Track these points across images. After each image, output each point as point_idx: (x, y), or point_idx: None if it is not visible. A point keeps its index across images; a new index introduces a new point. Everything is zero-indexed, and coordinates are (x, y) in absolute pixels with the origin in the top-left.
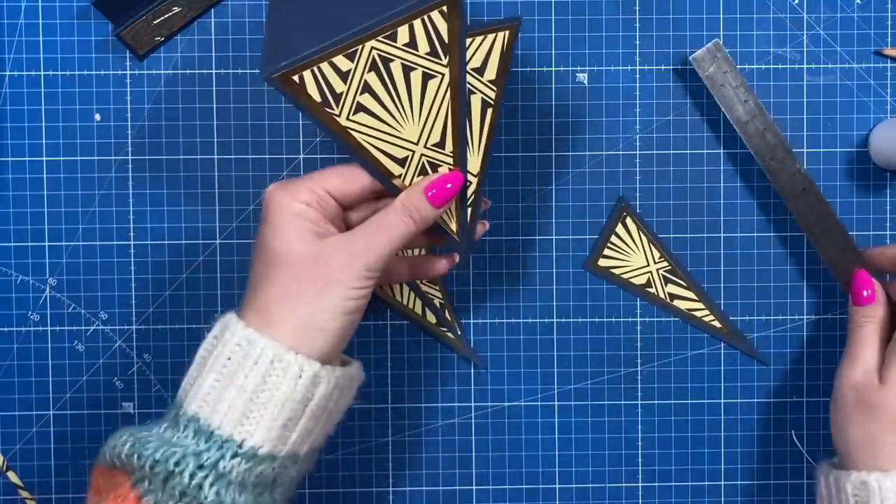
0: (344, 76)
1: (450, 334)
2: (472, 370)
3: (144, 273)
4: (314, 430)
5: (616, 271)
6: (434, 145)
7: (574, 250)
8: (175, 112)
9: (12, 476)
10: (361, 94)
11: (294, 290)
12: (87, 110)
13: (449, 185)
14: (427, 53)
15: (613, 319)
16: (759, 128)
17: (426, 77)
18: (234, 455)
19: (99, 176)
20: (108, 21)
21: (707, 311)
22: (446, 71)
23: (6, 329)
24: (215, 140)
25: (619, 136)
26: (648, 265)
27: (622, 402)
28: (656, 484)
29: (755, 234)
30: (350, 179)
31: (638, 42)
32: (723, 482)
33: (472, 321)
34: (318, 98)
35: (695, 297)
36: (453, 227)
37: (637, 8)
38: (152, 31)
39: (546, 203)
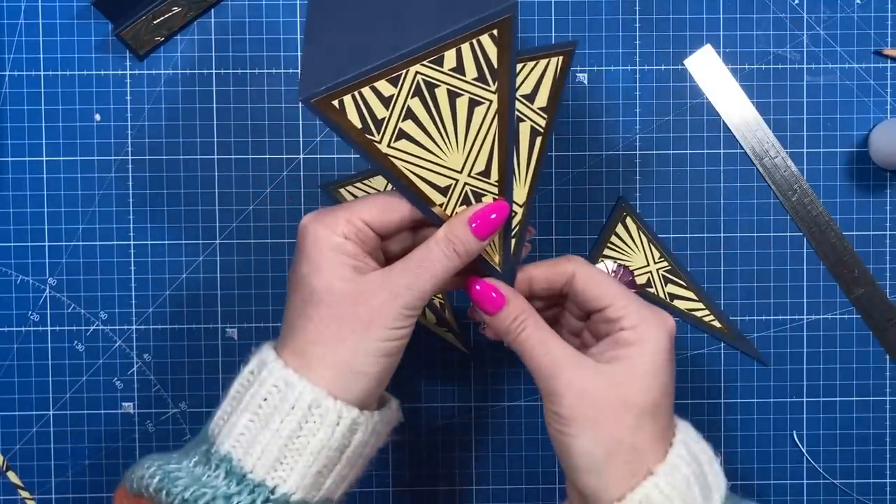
0: (386, 101)
1: (450, 334)
2: (472, 370)
3: (144, 273)
4: (349, 476)
5: None
6: (479, 174)
7: (574, 250)
8: (175, 112)
9: (12, 476)
10: (404, 120)
11: (333, 331)
12: (87, 110)
13: (494, 216)
14: (475, 79)
15: None
16: (752, 128)
17: (473, 103)
18: (266, 500)
19: (99, 176)
20: (108, 21)
21: (707, 311)
22: (494, 97)
23: (6, 329)
24: (215, 140)
25: (619, 136)
26: (648, 265)
27: None
28: None
29: (755, 234)
30: (388, 209)
31: (638, 42)
32: None
33: (472, 321)
34: (358, 124)
35: (695, 297)
36: (496, 259)
37: (637, 8)
38: (152, 31)
39: (546, 203)
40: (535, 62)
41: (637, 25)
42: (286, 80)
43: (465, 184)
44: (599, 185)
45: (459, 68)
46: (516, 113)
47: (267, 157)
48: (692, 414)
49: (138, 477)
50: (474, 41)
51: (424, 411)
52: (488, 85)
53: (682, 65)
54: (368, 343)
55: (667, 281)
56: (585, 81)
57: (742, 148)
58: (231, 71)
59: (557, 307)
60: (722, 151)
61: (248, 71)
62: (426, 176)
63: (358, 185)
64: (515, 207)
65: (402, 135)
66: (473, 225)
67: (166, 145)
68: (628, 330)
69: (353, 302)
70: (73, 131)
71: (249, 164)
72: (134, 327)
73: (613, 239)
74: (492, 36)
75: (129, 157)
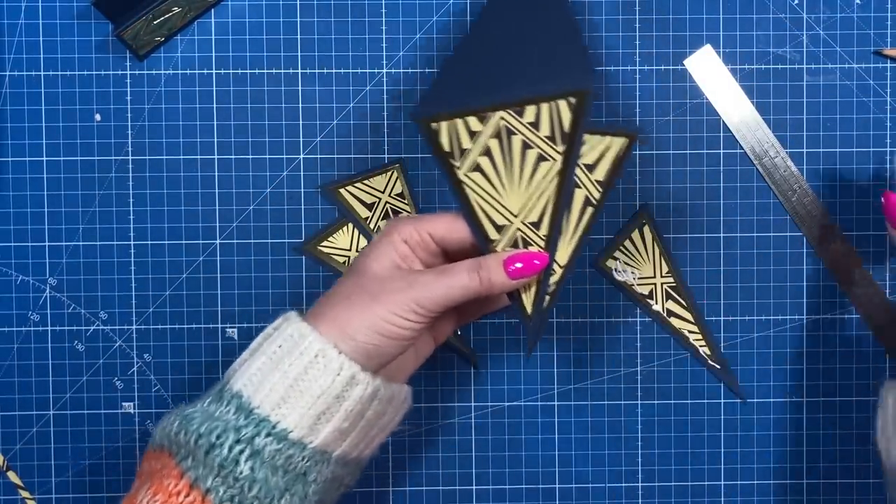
0: (472, 135)
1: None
2: (472, 370)
3: (144, 273)
4: (349, 433)
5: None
6: (531, 223)
7: None
8: (175, 112)
9: (12, 476)
10: (482, 155)
11: (346, 297)
12: (87, 110)
13: (536, 262)
14: (546, 137)
15: (613, 319)
16: (752, 128)
17: (540, 158)
18: (268, 434)
19: (99, 176)
20: (108, 21)
21: (700, 337)
22: (559, 158)
23: (6, 329)
24: (215, 140)
25: None
26: (654, 277)
27: (622, 402)
28: (656, 484)
29: (755, 234)
30: (453, 229)
31: (638, 42)
32: (723, 482)
33: (471, 321)
34: (447, 148)
35: (692, 320)
36: (528, 309)
37: (637, 8)
38: (152, 31)
39: None
40: (601, 136)
41: (637, 25)
42: (286, 80)
43: (518, 229)
44: None
45: (536, 124)
46: (575, 178)
47: (267, 157)
48: (692, 414)
49: (161, 428)
50: (553, 103)
51: (424, 411)
52: (556, 145)
53: (682, 65)
54: (367, 315)
55: (668, 297)
56: None
57: (742, 148)
58: (231, 71)
59: None
60: (722, 151)
61: (248, 71)
62: (488, 210)
63: (358, 185)
64: (556, 266)
65: (477, 167)
66: (509, 266)
67: (166, 145)
68: None
69: (377, 281)
70: (73, 131)
71: (249, 164)
72: (134, 327)
73: (626, 243)
74: (569, 102)
75: (129, 157)
